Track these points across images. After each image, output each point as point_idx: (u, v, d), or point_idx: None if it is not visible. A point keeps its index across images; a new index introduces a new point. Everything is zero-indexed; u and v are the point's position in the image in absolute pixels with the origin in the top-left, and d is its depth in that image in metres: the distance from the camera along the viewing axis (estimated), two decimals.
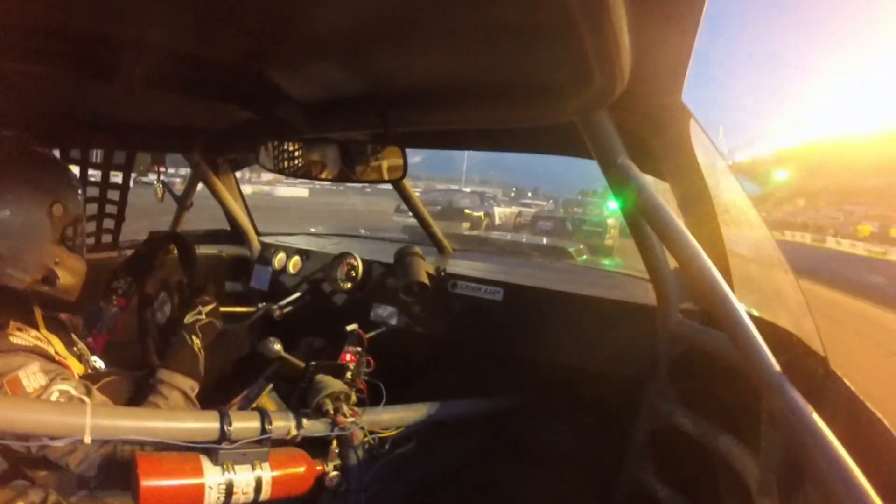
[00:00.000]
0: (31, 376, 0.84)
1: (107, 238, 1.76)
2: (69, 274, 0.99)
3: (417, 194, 1.93)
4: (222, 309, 1.72)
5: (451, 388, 1.67)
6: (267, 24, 0.83)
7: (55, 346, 0.98)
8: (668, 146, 0.99)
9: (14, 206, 0.91)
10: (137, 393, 1.05)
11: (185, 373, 1.08)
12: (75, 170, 1.59)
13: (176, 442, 0.84)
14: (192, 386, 1.08)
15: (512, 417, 1.68)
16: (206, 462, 0.87)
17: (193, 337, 1.13)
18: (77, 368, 1.00)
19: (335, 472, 1.11)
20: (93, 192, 1.66)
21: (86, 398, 0.88)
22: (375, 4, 0.72)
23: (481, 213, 13.49)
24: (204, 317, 1.18)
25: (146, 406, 1.00)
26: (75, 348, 1.05)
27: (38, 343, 0.92)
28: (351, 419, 1.07)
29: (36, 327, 0.96)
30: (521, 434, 1.71)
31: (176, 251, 1.38)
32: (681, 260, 0.86)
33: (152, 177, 1.81)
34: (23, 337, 0.89)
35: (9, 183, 0.91)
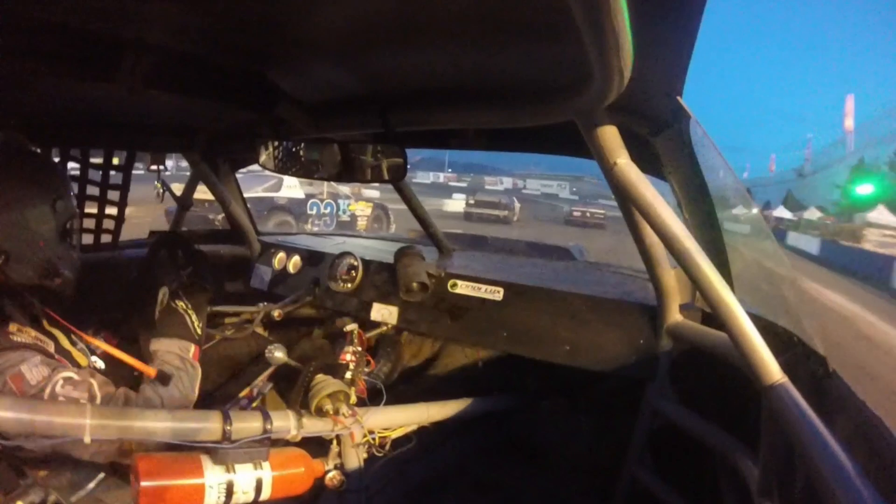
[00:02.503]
0: (34, 369, 0.85)
1: (106, 238, 1.76)
2: (69, 268, 1.02)
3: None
4: (221, 309, 1.72)
5: (451, 388, 1.67)
6: (267, 24, 0.83)
7: (60, 340, 0.98)
8: (668, 146, 1.00)
9: (19, 205, 0.93)
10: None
11: (174, 336, 1.08)
12: (75, 170, 1.59)
13: (177, 442, 0.84)
14: (183, 347, 1.08)
15: (512, 417, 1.68)
16: (206, 462, 0.87)
17: (178, 301, 1.13)
18: (81, 361, 1.01)
19: (335, 472, 1.11)
20: (90, 191, 1.66)
21: (91, 380, 0.90)
22: (376, 5, 0.72)
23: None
24: (185, 279, 1.19)
25: (144, 383, 1.01)
26: (78, 346, 1.06)
27: (38, 342, 0.92)
28: (351, 419, 1.08)
29: (38, 323, 0.96)
30: (521, 434, 1.71)
31: (179, 251, 1.38)
32: (681, 260, 0.86)
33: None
34: (23, 335, 0.89)
35: (12, 183, 0.93)
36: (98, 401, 0.90)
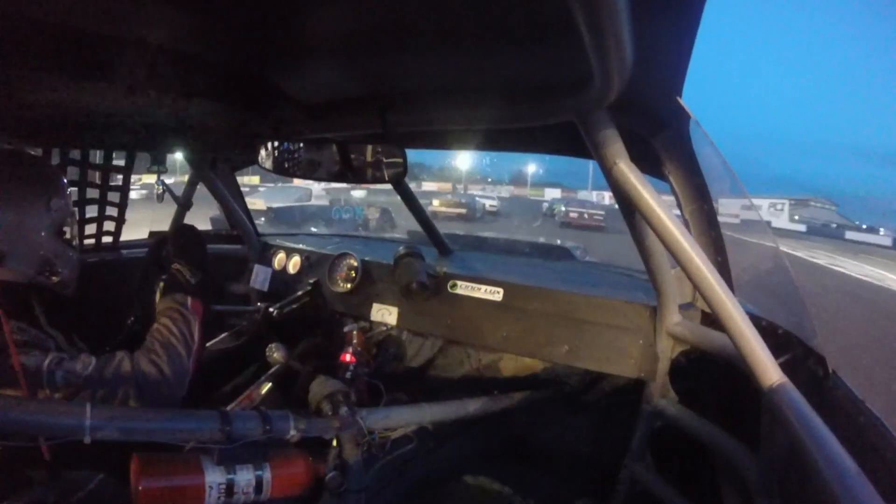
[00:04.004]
0: (32, 358, 0.87)
1: (107, 240, 1.76)
2: (66, 267, 1.03)
3: None
4: (221, 309, 1.71)
5: (451, 388, 1.67)
6: (267, 24, 0.83)
7: (59, 340, 0.99)
8: (668, 146, 1.00)
9: (13, 205, 0.94)
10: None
11: (169, 293, 1.11)
12: (75, 170, 1.59)
13: (177, 442, 0.84)
14: (179, 299, 1.10)
15: (512, 417, 1.68)
16: (206, 462, 0.87)
17: (171, 266, 1.15)
18: None
19: (335, 473, 1.10)
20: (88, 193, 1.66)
21: (90, 358, 0.92)
22: (375, 5, 0.72)
23: None
24: (171, 248, 1.21)
25: (148, 340, 1.04)
26: (78, 347, 1.06)
27: (37, 341, 0.92)
28: (351, 419, 1.07)
29: (38, 323, 0.96)
30: (521, 434, 1.71)
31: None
32: (681, 260, 0.86)
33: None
34: (23, 334, 0.90)
35: (5, 184, 0.94)
36: (92, 367, 0.92)
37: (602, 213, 18.99)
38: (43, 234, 0.98)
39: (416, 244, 1.80)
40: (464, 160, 36.93)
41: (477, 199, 20.05)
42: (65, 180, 1.09)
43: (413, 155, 1.29)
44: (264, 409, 0.99)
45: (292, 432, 1.00)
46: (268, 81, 1.11)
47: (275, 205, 10.74)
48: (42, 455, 0.85)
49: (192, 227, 1.29)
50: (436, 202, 17.87)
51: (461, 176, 39.68)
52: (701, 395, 1.18)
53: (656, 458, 1.26)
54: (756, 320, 0.82)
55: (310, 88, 1.17)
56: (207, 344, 1.68)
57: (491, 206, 20.11)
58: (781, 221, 24.87)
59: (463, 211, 17.41)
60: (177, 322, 1.07)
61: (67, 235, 1.05)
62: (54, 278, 1.00)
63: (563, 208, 19.40)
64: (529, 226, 18.05)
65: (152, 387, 0.99)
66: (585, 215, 18.56)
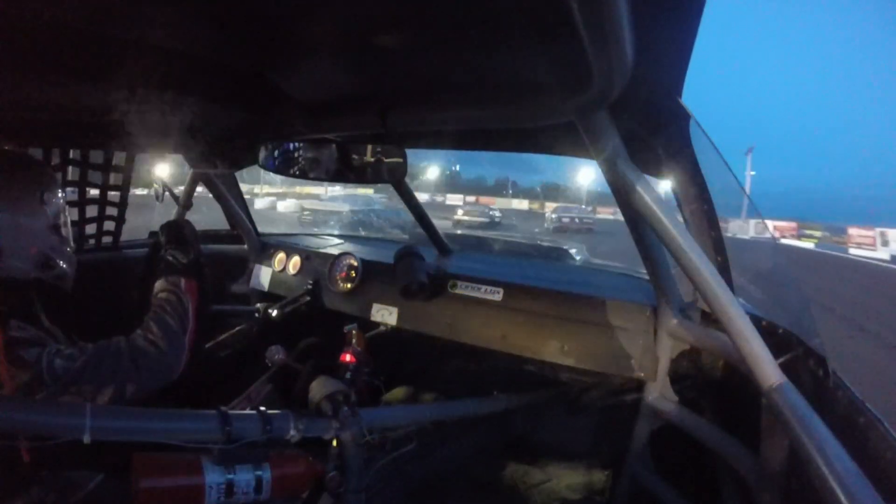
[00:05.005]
0: (30, 352, 0.87)
1: (107, 239, 1.76)
2: (63, 260, 1.03)
3: None
4: (221, 309, 1.71)
5: (451, 388, 1.67)
6: (267, 24, 0.83)
7: (59, 338, 0.99)
8: (668, 146, 1.00)
9: (6, 200, 0.94)
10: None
11: (162, 275, 1.13)
12: (75, 170, 1.59)
13: (177, 442, 0.84)
14: (173, 281, 1.12)
15: (512, 417, 1.68)
16: (206, 462, 0.87)
17: (163, 252, 1.17)
18: None
19: (335, 472, 1.10)
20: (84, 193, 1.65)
21: (88, 345, 0.93)
22: (375, 5, 0.72)
23: None
24: (163, 238, 1.22)
25: (144, 322, 1.04)
26: (78, 345, 1.06)
27: (38, 339, 0.93)
28: (351, 419, 1.07)
29: (38, 320, 0.96)
30: (521, 434, 1.71)
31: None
32: (681, 260, 0.86)
33: None
34: (23, 332, 0.90)
35: None
36: (90, 351, 0.93)
37: (591, 218, 23.17)
38: (38, 228, 0.98)
39: (416, 244, 1.80)
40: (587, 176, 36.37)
41: (491, 210, 24.63)
42: (55, 175, 1.10)
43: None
44: (264, 409, 0.99)
45: (292, 432, 1.00)
46: (268, 81, 1.11)
47: (354, 208, 14.86)
48: (42, 455, 0.85)
49: (179, 219, 1.30)
50: (460, 212, 22.38)
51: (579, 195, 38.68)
52: (701, 394, 1.18)
53: (656, 458, 1.26)
54: (756, 320, 0.82)
55: (310, 88, 1.17)
56: (207, 344, 1.68)
57: (497, 216, 24.37)
58: None
59: (486, 220, 22.01)
60: (171, 302, 1.08)
61: (63, 229, 1.05)
62: (53, 272, 1.00)
63: (555, 216, 22.78)
64: (529, 229, 20.92)
65: (150, 363, 0.99)
66: (576, 220, 22.25)
